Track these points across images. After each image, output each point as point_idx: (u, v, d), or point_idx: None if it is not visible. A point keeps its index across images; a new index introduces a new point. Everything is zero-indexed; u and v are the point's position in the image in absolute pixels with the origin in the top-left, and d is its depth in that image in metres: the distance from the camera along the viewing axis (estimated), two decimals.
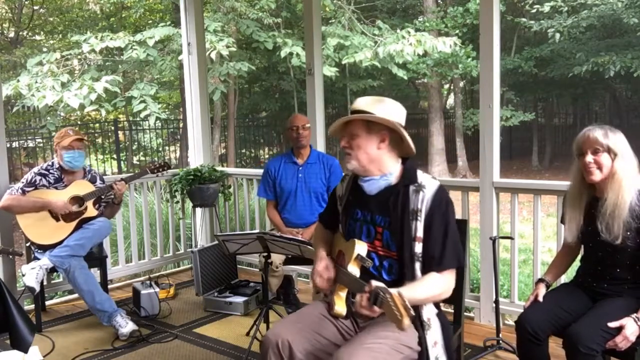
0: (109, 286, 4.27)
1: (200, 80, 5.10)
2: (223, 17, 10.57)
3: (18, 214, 3.63)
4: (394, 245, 2.05)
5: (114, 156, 12.74)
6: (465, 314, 3.62)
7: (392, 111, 2.08)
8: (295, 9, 12.30)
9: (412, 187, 2.05)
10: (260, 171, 4.63)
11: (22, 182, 3.70)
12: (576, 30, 13.14)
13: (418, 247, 2.02)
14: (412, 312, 1.66)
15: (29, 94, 8.76)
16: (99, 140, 13.13)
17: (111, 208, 3.94)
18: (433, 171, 14.07)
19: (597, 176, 2.32)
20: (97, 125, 13.53)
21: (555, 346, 2.39)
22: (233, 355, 3.28)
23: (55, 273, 3.91)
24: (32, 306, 3.86)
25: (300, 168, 3.89)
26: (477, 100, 6.66)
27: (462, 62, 12.53)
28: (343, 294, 2.08)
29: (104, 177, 4.08)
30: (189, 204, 4.98)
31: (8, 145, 7.85)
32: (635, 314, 2.20)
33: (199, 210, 5.04)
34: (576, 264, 2.63)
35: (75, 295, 4.07)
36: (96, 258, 3.88)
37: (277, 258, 3.57)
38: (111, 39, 9.32)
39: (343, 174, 3.87)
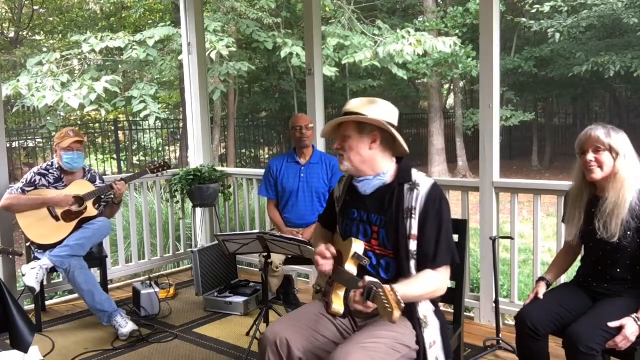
0: (109, 286, 4.27)
1: (200, 80, 5.10)
2: (223, 17, 10.57)
3: (18, 213, 3.63)
4: (390, 243, 2.06)
5: (114, 156, 12.74)
6: (465, 314, 3.63)
7: (383, 112, 2.09)
8: (295, 9, 12.30)
9: (406, 186, 2.07)
10: (260, 171, 4.64)
11: (22, 182, 3.71)
12: (576, 30, 13.14)
13: (413, 245, 2.03)
14: (403, 305, 1.68)
15: (29, 94, 8.76)
16: (99, 140, 13.13)
17: (111, 208, 3.94)
18: (433, 171, 14.07)
19: (597, 175, 2.32)
20: (97, 125, 13.53)
21: (555, 346, 2.39)
22: (233, 355, 3.28)
23: (55, 273, 3.91)
24: (32, 306, 3.86)
25: (303, 168, 3.89)
26: (477, 100, 6.66)
27: (462, 62, 12.53)
28: (341, 292, 2.09)
29: (104, 177, 4.08)
30: (189, 204, 4.98)
31: (8, 145, 7.85)
32: (635, 314, 2.20)
33: (199, 210, 5.04)
34: (577, 264, 2.63)
35: (75, 295, 4.07)
36: (96, 258, 3.88)
37: (277, 258, 3.57)
38: (111, 39, 9.32)
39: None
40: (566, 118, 19.58)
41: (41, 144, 11.99)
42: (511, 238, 3.50)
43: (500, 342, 3.22)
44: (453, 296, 2.46)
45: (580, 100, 17.29)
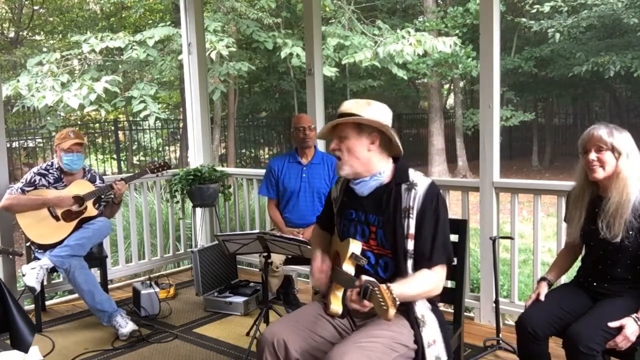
0: (109, 286, 4.27)
1: (200, 80, 5.10)
2: (223, 17, 10.57)
3: (18, 213, 3.63)
4: (387, 243, 2.07)
5: (114, 156, 12.74)
6: (465, 314, 3.63)
7: (380, 113, 2.10)
8: (295, 9, 12.30)
9: (404, 186, 2.08)
10: (260, 171, 4.63)
11: (22, 182, 3.71)
12: (576, 30, 13.14)
13: (410, 244, 2.04)
14: (398, 303, 1.70)
15: (29, 94, 8.76)
16: (99, 140, 13.14)
17: (111, 208, 3.94)
18: (433, 171, 14.07)
19: (599, 174, 2.32)
20: (97, 125, 13.53)
21: (555, 346, 2.39)
22: (233, 355, 3.28)
23: (55, 273, 3.91)
24: (32, 306, 3.86)
25: (305, 168, 3.89)
26: (477, 100, 6.66)
27: (462, 62, 12.53)
28: (339, 293, 2.09)
29: (104, 177, 4.08)
30: (189, 204, 4.98)
31: (8, 145, 7.85)
32: (635, 314, 2.20)
33: (199, 210, 5.04)
34: (577, 263, 2.63)
35: (75, 295, 4.07)
36: (96, 258, 3.88)
37: (277, 258, 3.57)
38: (111, 39, 9.32)
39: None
40: (566, 118, 19.59)
41: (41, 144, 11.99)
42: (511, 238, 3.50)
43: (500, 342, 3.22)
44: (453, 296, 2.46)
45: (580, 100, 17.30)
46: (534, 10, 12.79)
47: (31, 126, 12.85)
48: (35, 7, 13.51)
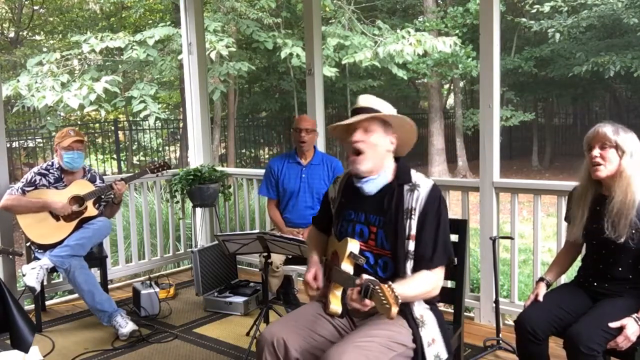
0: (109, 286, 4.27)
1: (200, 80, 5.10)
2: (223, 17, 10.57)
3: (18, 214, 3.63)
4: (388, 244, 2.07)
5: (114, 156, 12.74)
6: (465, 314, 3.63)
7: (395, 112, 2.12)
8: (295, 9, 12.30)
9: (406, 187, 2.08)
10: (260, 171, 4.63)
11: (22, 182, 3.71)
12: (576, 30, 13.14)
13: (411, 246, 2.04)
14: (400, 301, 1.70)
15: (29, 94, 8.75)
16: (99, 140, 13.14)
17: (111, 208, 3.94)
18: (433, 171, 14.07)
19: (602, 172, 2.32)
20: (97, 125, 13.53)
21: (555, 346, 2.39)
22: (233, 355, 3.28)
23: (55, 273, 3.91)
24: (32, 306, 3.86)
25: (304, 169, 3.89)
26: (477, 100, 6.66)
27: (462, 62, 12.53)
28: (338, 292, 2.09)
29: (104, 177, 4.08)
30: (189, 204, 4.98)
31: (8, 145, 7.85)
32: (635, 314, 2.20)
33: (199, 210, 5.04)
34: (577, 264, 2.63)
35: (75, 295, 4.07)
36: (96, 258, 3.88)
37: (277, 258, 3.57)
38: (111, 39, 9.31)
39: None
40: (566, 118, 19.58)
41: (41, 144, 11.99)
42: (511, 238, 3.50)
43: (500, 342, 3.22)
44: (453, 296, 2.46)
45: (580, 100, 17.29)
46: (534, 10, 12.79)
47: (31, 126, 12.85)
48: (35, 7, 13.50)
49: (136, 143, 13.88)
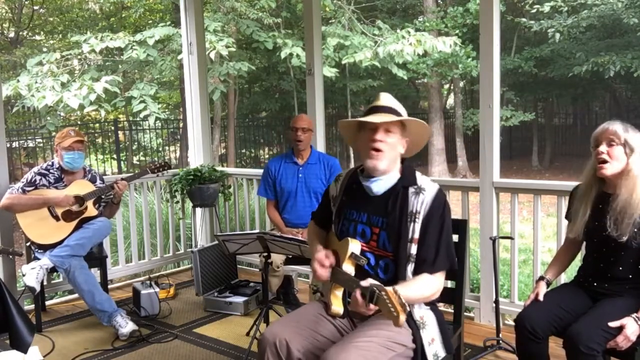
0: (109, 286, 4.27)
1: (200, 80, 5.10)
2: (223, 17, 10.57)
3: (19, 212, 3.63)
4: (390, 245, 2.06)
5: (114, 156, 12.74)
6: (465, 314, 3.63)
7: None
8: (295, 9, 12.30)
9: (411, 189, 2.07)
10: (260, 171, 4.63)
11: (22, 182, 3.71)
12: (576, 30, 13.13)
13: (414, 249, 2.03)
14: (408, 308, 1.67)
15: (29, 94, 8.75)
16: (99, 140, 13.14)
17: (110, 208, 3.94)
18: (433, 171, 14.07)
19: (607, 170, 2.31)
20: (97, 125, 13.53)
21: (555, 346, 2.39)
22: (233, 355, 3.28)
23: (55, 273, 3.91)
24: (32, 306, 3.86)
25: (301, 168, 3.90)
26: (477, 100, 6.66)
27: (462, 62, 12.52)
28: (339, 293, 2.08)
29: (104, 177, 4.08)
30: (189, 204, 4.98)
31: (8, 145, 7.85)
32: (635, 314, 2.20)
33: (199, 210, 5.04)
34: (577, 263, 2.62)
35: (75, 295, 4.07)
36: (96, 258, 3.88)
37: (278, 257, 3.58)
38: (111, 39, 9.31)
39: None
40: (566, 118, 19.57)
41: (41, 144, 11.99)
42: (511, 238, 3.50)
43: (500, 342, 3.22)
44: (453, 296, 2.46)
45: (580, 100, 17.28)
46: (534, 10, 12.79)
47: (31, 126, 12.85)
48: (35, 7, 13.50)
49: (136, 143, 13.88)
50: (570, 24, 12.57)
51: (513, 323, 2.61)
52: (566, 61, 13.42)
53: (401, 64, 11.16)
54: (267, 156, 15.29)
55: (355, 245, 2.04)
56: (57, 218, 3.66)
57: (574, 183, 2.65)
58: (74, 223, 3.68)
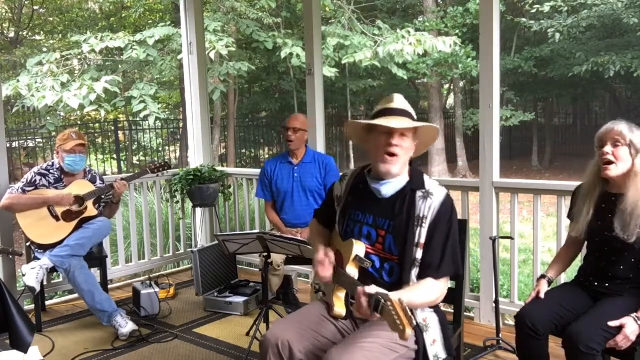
0: (109, 286, 4.27)
1: (200, 80, 5.10)
2: (223, 17, 10.56)
3: (19, 212, 3.63)
4: (396, 249, 2.04)
5: (114, 156, 12.74)
6: (465, 314, 3.63)
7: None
8: (295, 9, 12.30)
9: (419, 193, 2.06)
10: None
11: (23, 182, 3.71)
12: (576, 30, 13.13)
13: (419, 253, 2.02)
14: (415, 322, 1.64)
15: (29, 94, 8.75)
16: (99, 140, 13.14)
17: (110, 208, 3.94)
18: (433, 171, 14.06)
19: (612, 171, 2.30)
20: (97, 125, 13.53)
21: (555, 346, 2.39)
22: (233, 355, 3.28)
23: (55, 273, 3.91)
24: (32, 306, 3.86)
25: (296, 168, 3.90)
26: (477, 100, 6.66)
27: (462, 62, 12.52)
28: (342, 294, 2.07)
29: (104, 177, 4.08)
30: (189, 204, 4.98)
31: (8, 145, 7.85)
32: (635, 314, 2.20)
33: (199, 210, 5.04)
34: (578, 263, 2.62)
35: (75, 295, 4.07)
36: (96, 258, 3.88)
37: (278, 257, 3.58)
38: (111, 39, 9.31)
39: (340, 173, 3.90)
40: (566, 118, 19.56)
41: (41, 144, 11.99)
42: (511, 238, 3.50)
43: (500, 342, 3.22)
44: (453, 296, 2.45)
45: (580, 100, 17.28)
46: (534, 10, 12.78)
47: (31, 126, 12.85)
48: (35, 7, 13.50)
49: (136, 143, 13.88)
50: (570, 24, 12.57)
51: (513, 323, 2.62)
52: (566, 61, 13.42)
53: (401, 64, 11.16)
54: (267, 156, 15.29)
55: (359, 248, 2.02)
56: (57, 218, 3.66)
57: (574, 183, 2.65)
58: (74, 223, 3.68)
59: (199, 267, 4.05)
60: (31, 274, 3.44)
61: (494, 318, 3.31)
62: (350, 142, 14.14)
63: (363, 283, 1.89)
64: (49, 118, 10.10)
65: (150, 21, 13.09)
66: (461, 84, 16.22)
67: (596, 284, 2.41)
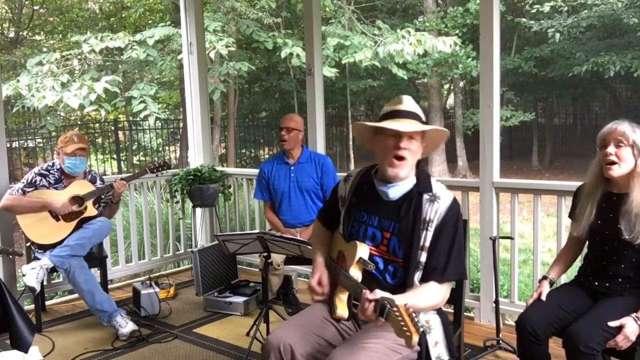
0: (109, 286, 4.27)
1: (200, 80, 5.10)
2: (223, 17, 10.57)
3: (18, 214, 3.63)
4: (400, 251, 2.03)
5: (114, 156, 12.75)
6: (465, 314, 3.62)
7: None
8: (295, 9, 12.30)
9: (426, 196, 2.04)
10: None
11: (23, 182, 3.71)
12: (576, 30, 13.13)
13: (423, 257, 2.01)
14: (421, 328, 1.62)
15: (29, 94, 8.75)
16: (99, 140, 13.14)
17: (110, 208, 3.94)
18: (433, 171, 14.06)
19: (615, 172, 2.29)
20: (97, 125, 13.54)
21: (555, 346, 2.39)
22: (233, 355, 3.28)
23: (55, 273, 3.91)
24: (32, 306, 3.86)
25: (292, 168, 3.90)
26: (477, 100, 6.66)
27: (462, 62, 12.52)
28: (344, 296, 2.06)
29: (104, 177, 4.08)
30: (189, 204, 4.98)
31: (8, 145, 7.85)
32: (635, 313, 2.20)
33: (199, 210, 5.04)
34: (578, 263, 2.62)
35: (75, 295, 4.07)
36: (96, 258, 3.88)
37: (278, 256, 3.58)
38: (111, 39, 9.31)
39: (338, 173, 3.91)
40: (566, 118, 19.57)
41: (41, 144, 11.99)
42: (511, 238, 3.50)
43: (500, 342, 3.22)
44: (453, 296, 2.44)
45: (580, 100, 17.29)
46: (534, 10, 12.79)
47: (31, 126, 12.85)
48: (35, 7, 13.50)
49: (136, 143, 13.89)
50: (570, 24, 12.57)
51: (513, 323, 2.62)
52: (566, 61, 13.42)
53: (401, 64, 11.16)
54: (267, 156, 15.29)
55: (363, 250, 2.01)
56: (57, 218, 3.66)
57: (574, 183, 2.65)
58: (74, 223, 3.68)
59: (199, 267, 4.05)
60: (31, 274, 3.44)
61: (494, 318, 3.31)
62: (350, 142, 14.15)
63: (366, 285, 1.88)
64: (49, 118, 10.10)
65: (150, 21, 13.09)
66: (461, 84, 16.23)
67: (596, 283, 2.40)
